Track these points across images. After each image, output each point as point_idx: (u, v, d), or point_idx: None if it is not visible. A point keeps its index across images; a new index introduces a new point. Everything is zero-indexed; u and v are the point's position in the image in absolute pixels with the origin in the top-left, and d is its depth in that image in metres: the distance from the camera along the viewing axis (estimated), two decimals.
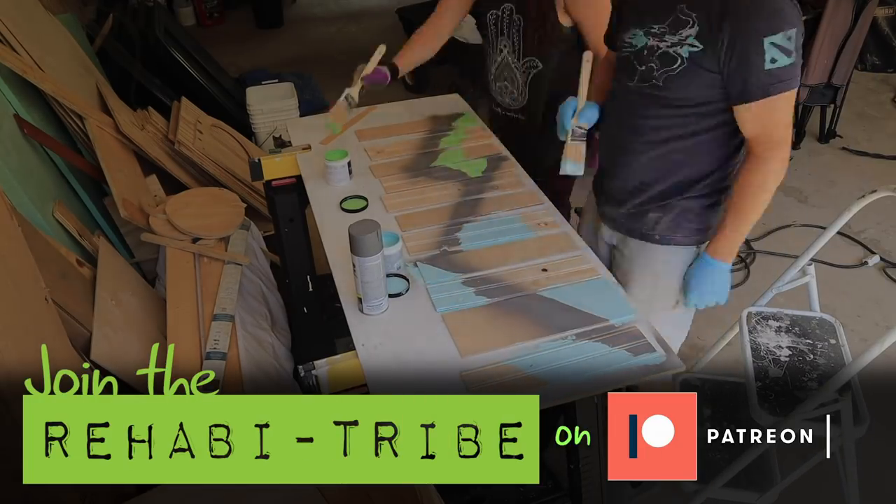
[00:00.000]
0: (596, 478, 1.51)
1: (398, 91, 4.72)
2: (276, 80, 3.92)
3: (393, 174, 1.89)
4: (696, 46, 1.33)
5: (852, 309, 2.71)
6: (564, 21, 1.84)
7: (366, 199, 1.78)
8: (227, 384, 1.73)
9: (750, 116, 1.36)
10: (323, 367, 1.28)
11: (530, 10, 1.86)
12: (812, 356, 1.69)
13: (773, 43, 1.27)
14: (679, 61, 1.37)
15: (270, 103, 3.58)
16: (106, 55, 3.42)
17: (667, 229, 1.55)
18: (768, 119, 1.35)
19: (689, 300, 1.58)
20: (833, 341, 1.73)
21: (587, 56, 1.62)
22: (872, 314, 2.68)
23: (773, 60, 1.29)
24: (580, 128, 1.61)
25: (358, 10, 6.50)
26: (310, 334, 2.27)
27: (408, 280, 1.48)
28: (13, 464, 1.11)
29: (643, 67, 1.44)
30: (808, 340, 1.73)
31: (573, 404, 1.36)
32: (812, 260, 1.80)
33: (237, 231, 2.32)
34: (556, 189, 1.93)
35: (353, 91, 1.98)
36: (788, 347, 1.71)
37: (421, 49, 2.10)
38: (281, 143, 2.09)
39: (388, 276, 1.43)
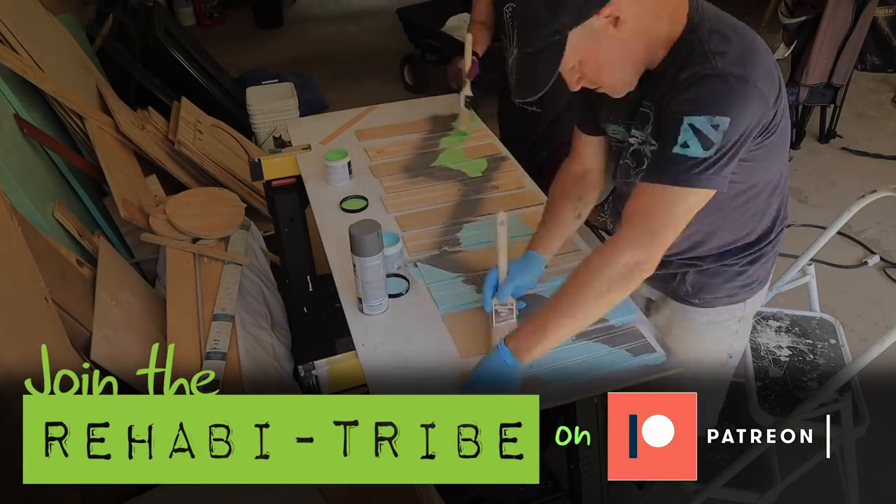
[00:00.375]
0: (596, 478, 1.51)
1: (398, 91, 4.72)
2: (276, 80, 3.92)
3: (393, 174, 1.89)
4: (654, 144, 1.18)
5: (852, 309, 2.70)
6: None
7: (366, 199, 1.78)
8: (227, 384, 1.73)
9: (635, 194, 1.14)
10: (323, 367, 1.28)
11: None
12: (812, 356, 1.69)
13: (691, 125, 1.05)
14: (646, 161, 1.22)
15: (270, 103, 3.58)
16: (106, 55, 3.43)
17: (707, 292, 1.39)
18: (650, 205, 1.11)
19: (469, 383, 1.22)
20: (833, 341, 1.73)
21: (500, 217, 1.35)
22: (872, 314, 2.68)
23: (685, 145, 1.06)
24: (503, 306, 1.31)
25: (358, 10, 6.51)
26: (310, 334, 2.27)
27: (408, 280, 1.48)
28: (13, 464, 1.11)
29: (622, 163, 1.29)
30: (808, 340, 1.73)
31: (573, 404, 1.36)
32: (812, 260, 1.80)
33: (237, 231, 2.32)
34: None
35: (467, 90, 2.05)
36: (788, 347, 1.71)
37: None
38: (281, 143, 2.09)
39: (388, 276, 1.43)
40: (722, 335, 1.44)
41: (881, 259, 2.96)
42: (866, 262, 2.95)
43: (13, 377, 1.15)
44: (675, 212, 1.11)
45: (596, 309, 1.16)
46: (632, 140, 1.24)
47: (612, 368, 1.26)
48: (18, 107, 2.27)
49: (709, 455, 1.79)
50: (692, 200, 1.10)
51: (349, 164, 1.84)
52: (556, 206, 1.42)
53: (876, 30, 4.40)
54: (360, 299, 1.39)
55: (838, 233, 1.85)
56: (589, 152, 1.41)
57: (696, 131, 1.05)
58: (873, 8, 3.41)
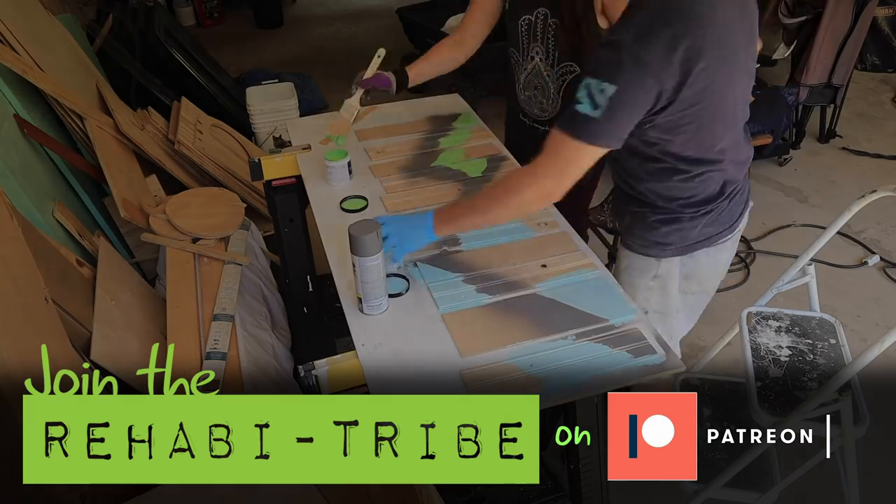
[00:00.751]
0: (596, 478, 1.51)
1: (398, 91, 4.72)
2: (276, 80, 3.92)
3: (393, 174, 1.89)
4: None
5: (852, 309, 2.71)
6: (602, 23, 1.71)
7: (366, 199, 1.78)
8: (227, 384, 1.73)
9: (552, 130, 1.29)
10: (323, 367, 1.28)
11: (566, 13, 1.74)
12: (812, 356, 1.69)
13: (587, 84, 1.19)
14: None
15: (270, 103, 3.58)
16: (106, 55, 3.43)
17: (628, 235, 1.57)
18: (558, 146, 1.26)
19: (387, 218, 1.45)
20: (833, 341, 1.73)
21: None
22: (872, 314, 2.68)
23: (578, 101, 1.20)
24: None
25: (358, 10, 6.51)
26: (310, 334, 2.27)
27: (408, 280, 1.48)
28: (13, 464, 1.11)
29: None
30: (808, 340, 1.73)
31: (573, 404, 1.37)
32: (812, 260, 1.80)
33: (237, 231, 2.32)
34: (575, 209, 1.75)
35: (353, 100, 1.90)
36: (788, 347, 1.71)
37: (440, 60, 1.98)
38: (281, 143, 2.09)
39: (388, 276, 1.43)
40: (637, 285, 1.57)
41: (881, 259, 2.96)
42: (866, 262, 2.95)
43: (13, 377, 1.15)
44: (575, 156, 1.25)
45: (504, 218, 1.42)
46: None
47: (612, 369, 1.26)
48: (18, 107, 2.27)
49: (709, 455, 1.79)
50: (584, 151, 1.24)
51: (349, 164, 1.84)
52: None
53: (876, 30, 4.41)
54: (360, 299, 1.39)
55: (838, 233, 1.85)
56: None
57: (589, 91, 1.18)
58: (873, 8, 3.41)
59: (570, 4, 1.72)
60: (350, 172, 1.85)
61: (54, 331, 1.41)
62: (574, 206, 1.62)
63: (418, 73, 1.96)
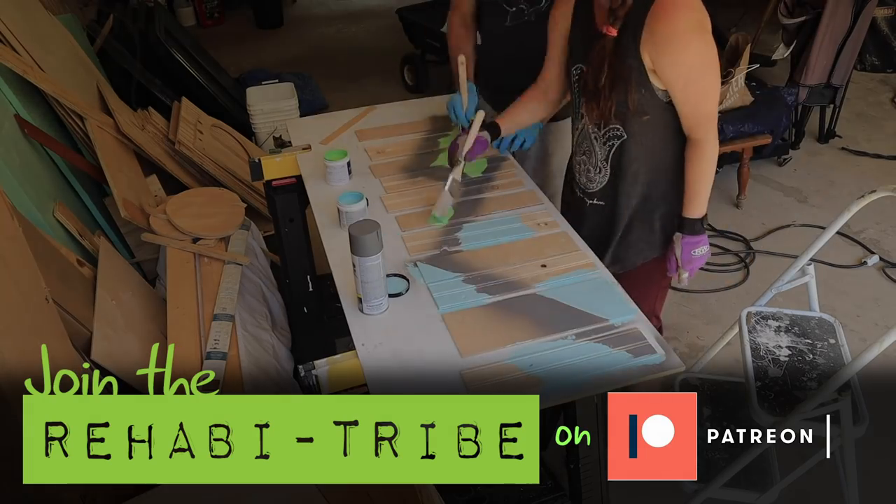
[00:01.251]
0: (596, 478, 1.51)
1: (398, 91, 4.72)
2: (276, 80, 3.92)
3: (393, 174, 1.89)
4: None
5: (852, 309, 2.71)
6: (656, 82, 1.48)
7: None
8: (227, 384, 1.73)
9: None
10: (323, 367, 1.28)
11: (594, 65, 1.51)
12: (811, 356, 1.69)
13: None
14: None
15: (270, 103, 3.58)
16: (106, 55, 3.43)
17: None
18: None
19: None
20: (832, 341, 1.73)
21: (461, 59, 1.74)
22: (872, 314, 2.68)
23: None
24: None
25: (358, 10, 6.51)
26: (310, 334, 2.27)
27: (408, 280, 1.48)
28: (13, 464, 1.11)
29: (514, 8, 1.85)
30: (807, 340, 1.73)
31: (573, 404, 1.37)
32: (812, 260, 1.80)
33: (237, 231, 2.32)
34: (648, 307, 1.63)
35: (457, 174, 1.69)
36: (788, 347, 1.72)
37: (531, 109, 1.80)
38: (281, 143, 2.09)
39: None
40: None
41: (880, 259, 2.96)
42: (865, 262, 2.95)
43: (13, 377, 1.15)
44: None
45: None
46: None
47: (612, 369, 1.26)
48: (19, 107, 2.27)
49: (709, 455, 1.79)
50: None
51: (349, 163, 1.84)
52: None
53: (875, 30, 4.40)
54: (360, 299, 1.39)
55: (838, 233, 1.85)
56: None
57: None
58: (873, 8, 3.41)
59: (600, 56, 1.49)
60: (349, 172, 1.84)
61: (54, 331, 1.41)
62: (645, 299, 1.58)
63: (510, 124, 1.80)
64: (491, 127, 1.75)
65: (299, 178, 1.96)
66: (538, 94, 1.76)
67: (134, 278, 2.11)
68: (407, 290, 1.46)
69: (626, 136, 1.57)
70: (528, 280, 1.48)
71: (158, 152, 2.67)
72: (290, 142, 2.11)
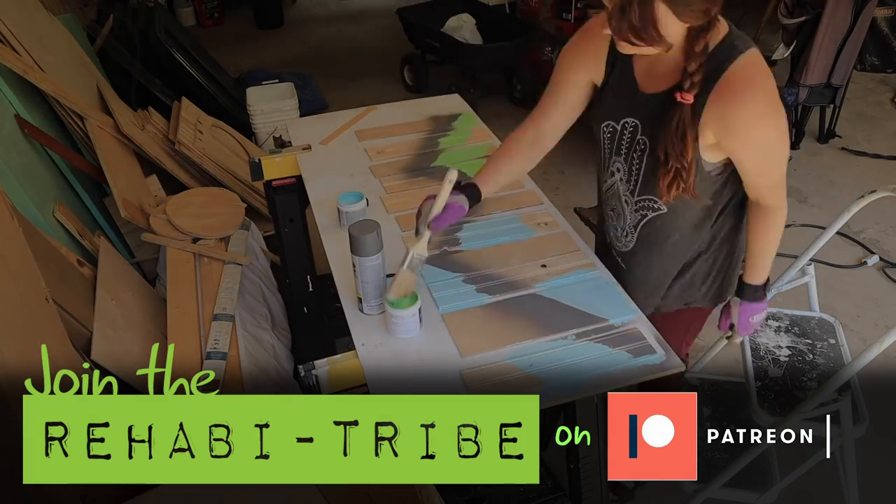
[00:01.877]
0: (596, 478, 1.51)
1: (398, 91, 4.72)
2: (276, 80, 3.92)
3: (393, 174, 1.89)
4: None
5: (852, 309, 2.71)
6: (710, 157, 1.31)
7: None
8: (227, 384, 1.73)
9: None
10: (323, 367, 1.28)
11: (666, 134, 1.28)
12: (811, 356, 1.69)
13: None
14: None
15: (270, 103, 3.58)
16: (106, 55, 3.43)
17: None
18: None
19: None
20: (832, 341, 1.73)
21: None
22: (872, 314, 2.68)
23: None
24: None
25: (358, 10, 6.51)
26: (310, 334, 2.27)
27: None
28: (13, 464, 1.11)
29: None
30: (807, 340, 1.73)
31: (573, 404, 1.37)
32: (812, 260, 1.80)
33: (237, 231, 2.32)
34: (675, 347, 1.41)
35: (421, 247, 1.37)
36: (788, 347, 1.72)
37: (515, 164, 1.55)
38: (281, 143, 2.09)
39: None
40: None
41: (880, 259, 2.96)
42: (865, 262, 2.95)
43: (13, 377, 1.15)
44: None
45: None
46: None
47: (611, 368, 1.26)
48: (19, 107, 2.27)
49: (709, 455, 1.79)
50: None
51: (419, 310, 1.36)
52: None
53: (875, 30, 4.41)
54: (360, 299, 1.39)
55: (838, 233, 1.85)
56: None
57: None
58: (872, 8, 3.41)
59: (671, 125, 1.27)
60: (420, 321, 1.37)
61: (54, 331, 1.41)
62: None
63: (492, 182, 1.54)
64: (468, 189, 1.49)
65: (299, 178, 1.96)
66: (524, 145, 1.52)
67: (134, 278, 2.11)
68: None
69: (663, 210, 1.41)
70: (528, 280, 1.48)
71: (158, 152, 2.67)
72: (290, 142, 2.10)
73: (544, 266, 1.52)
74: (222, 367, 1.76)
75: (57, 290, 1.60)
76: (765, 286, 1.49)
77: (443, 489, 1.41)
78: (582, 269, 1.51)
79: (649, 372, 1.27)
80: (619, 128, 1.40)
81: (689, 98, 1.23)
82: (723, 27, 1.23)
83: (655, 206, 1.41)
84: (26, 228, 1.62)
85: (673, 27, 1.17)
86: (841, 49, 3.42)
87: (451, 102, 2.30)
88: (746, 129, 1.25)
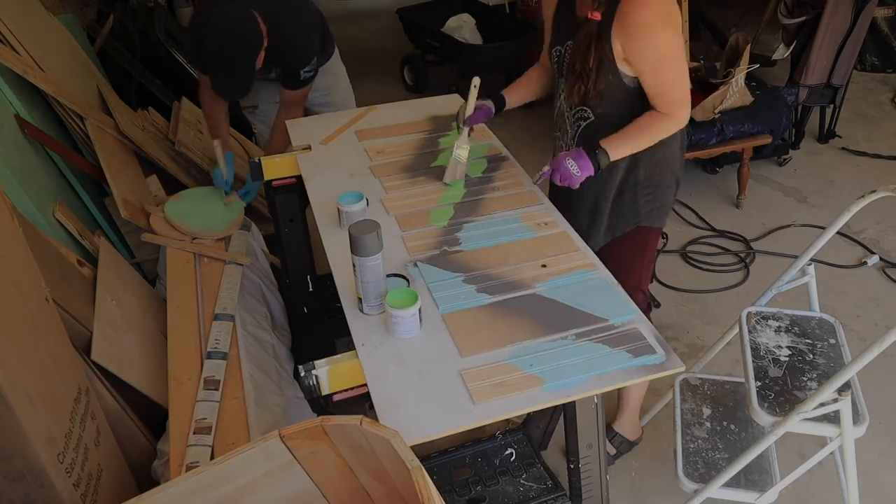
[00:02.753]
0: (596, 478, 1.51)
1: (398, 91, 4.72)
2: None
3: (393, 174, 1.89)
4: None
5: (852, 309, 2.71)
6: (627, 70, 1.57)
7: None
8: (228, 384, 1.73)
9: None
10: (323, 367, 1.28)
11: (580, 47, 1.58)
12: (812, 356, 1.69)
13: None
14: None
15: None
16: (106, 55, 3.43)
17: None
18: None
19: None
20: (832, 341, 1.73)
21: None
22: (872, 314, 2.69)
23: None
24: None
25: (358, 10, 6.51)
26: (310, 334, 2.27)
27: (408, 280, 1.48)
28: (13, 463, 1.11)
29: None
30: (807, 340, 1.73)
31: (573, 404, 1.37)
32: (812, 260, 1.80)
33: (238, 231, 2.32)
34: (634, 280, 1.80)
35: (462, 141, 1.80)
36: (788, 347, 1.72)
37: (535, 83, 1.93)
38: None
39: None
40: None
41: (880, 259, 2.96)
42: (865, 262, 2.95)
43: (13, 377, 1.15)
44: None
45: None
46: None
47: (611, 368, 1.26)
48: (19, 107, 2.27)
49: (709, 455, 1.80)
50: None
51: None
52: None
53: (875, 30, 4.41)
54: (360, 299, 1.39)
55: (838, 233, 1.84)
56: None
57: None
58: (873, 8, 3.41)
59: (580, 36, 1.58)
60: (420, 321, 1.38)
61: (54, 331, 1.41)
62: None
63: (516, 97, 1.91)
64: (497, 98, 1.83)
65: (299, 178, 1.96)
66: (541, 70, 1.89)
67: (134, 278, 2.11)
68: None
69: (592, 118, 1.67)
70: (528, 280, 1.48)
71: (158, 152, 2.67)
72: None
73: (544, 266, 1.52)
74: (222, 367, 1.76)
75: (57, 290, 1.60)
76: (603, 156, 1.61)
77: (443, 489, 1.41)
78: (582, 269, 1.51)
79: (649, 372, 1.27)
80: (563, 50, 1.67)
81: (597, 16, 1.51)
82: None
83: (586, 114, 1.68)
84: (26, 228, 1.62)
85: None
86: (841, 49, 3.42)
87: (451, 102, 2.30)
88: (640, 38, 1.50)
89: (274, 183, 2.00)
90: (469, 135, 1.80)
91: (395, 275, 1.49)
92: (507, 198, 1.77)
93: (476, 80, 1.76)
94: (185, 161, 2.76)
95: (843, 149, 3.83)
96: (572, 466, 1.50)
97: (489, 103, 1.83)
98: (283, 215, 2.04)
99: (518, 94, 1.90)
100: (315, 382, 1.28)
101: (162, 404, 1.71)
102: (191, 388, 1.69)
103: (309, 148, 2.01)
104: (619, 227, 1.81)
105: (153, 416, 1.75)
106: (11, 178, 2.01)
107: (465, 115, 1.79)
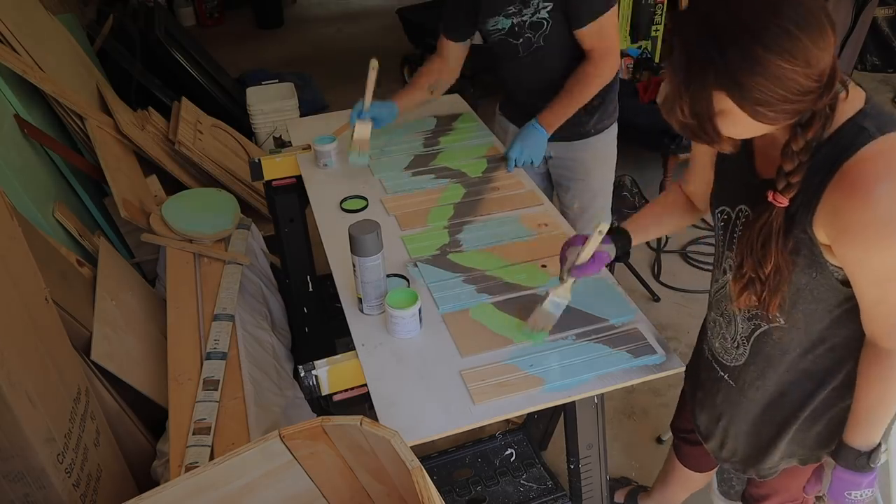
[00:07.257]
0: (596, 478, 1.51)
1: (398, 90, 4.71)
2: (276, 80, 3.92)
3: (393, 174, 1.89)
4: (547, 4, 1.74)
5: None
6: (832, 260, 1.03)
7: (366, 199, 1.78)
8: (227, 384, 1.73)
9: (586, 36, 1.75)
10: (323, 367, 1.28)
11: (747, 234, 1.09)
12: None
13: None
14: (546, 24, 1.77)
15: (270, 103, 3.58)
16: (106, 55, 3.43)
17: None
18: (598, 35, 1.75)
19: (510, 152, 1.87)
20: None
21: (373, 64, 1.89)
22: None
23: None
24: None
25: (358, 10, 6.51)
26: (310, 334, 2.27)
27: (408, 280, 1.48)
28: (13, 464, 1.11)
29: (522, 40, 1.84)
30: None
31: (573, 404, 1.37)
32: None
33: (237, 231, 2.32)
34: None
35: (562, 292, 1.33)
36: None
37: (671, 212, 1.44)
38: (281, 143, 2.10)
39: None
40: None
41: None
42: None
43: (13, 377, 1.15)
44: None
45: (583, 97, 1.83)
46: (523, 18, 1.79)
47: (612, 369, 1.26)
48: (19, 107, 2.27)
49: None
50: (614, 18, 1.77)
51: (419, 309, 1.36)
52: (416, 82, 2.04)
53: (876, 30, 4.40)
54: (360, 299, 1.39)
55: None
56: (453, 56, 2.07)
57: None
58: (873, 8, 3.41)
59: (755, 226, 1.06)
60: (420, 321, 1.37)
61: (54, 331, 1.41)
62: None
63: (642, 233, 1.42)
64: (618, 234, 1.37)
65: (299, 178, 1.96)
66: (680, 202, 1.41)
67: (134, 278, 2.11)
68: None
69: (780, 322, 1.14)
70: (528, 280, 1.48)
71: (158, 152, 2.67)
72: (290, 142, 2.11)
73: (544, 266, 1.52)
74: (222, 367, 1.76)
75: (57, 291, 1.60)
76: (871, 454, 1.11)
77: (443, 489, 1.41)
78: None
79: (649, 372, 1.27)
80: (733, 215, 1.16)
81: (783, 201, 1.00)
82: (855, 100, 1.00)
83: (769, 315, 1.14)
84: (26, 228, 1.62)
85: (744, 125, 0.94)
86: (841, 49, 3.42)
87: (451, 102, 2.30)
88: (865, 239, 0.96)
89: (274, 183, 2.00)
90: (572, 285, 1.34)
91: (395, 275, 1.48)
92: (507, 198, 1.77)
93: (603, 226, 1.28)
94: (185, 161, 2.76)
95: None
96: (572, 467, 1.50)
97: (610, 248, 1.35)
98: (283, 215, 2.04)
99: (648, 229, 1.43)
100: (315, 382, 1.28)
101: (161, 404, 1.71)
102: (190, 388, 1.69)
103: (309, 148, 2.01)
104: (763, 468, 1.33)
105: (153, 417, 1.75)
106: (11, 178, 2.01)
107: (576, 261, 1.31)
